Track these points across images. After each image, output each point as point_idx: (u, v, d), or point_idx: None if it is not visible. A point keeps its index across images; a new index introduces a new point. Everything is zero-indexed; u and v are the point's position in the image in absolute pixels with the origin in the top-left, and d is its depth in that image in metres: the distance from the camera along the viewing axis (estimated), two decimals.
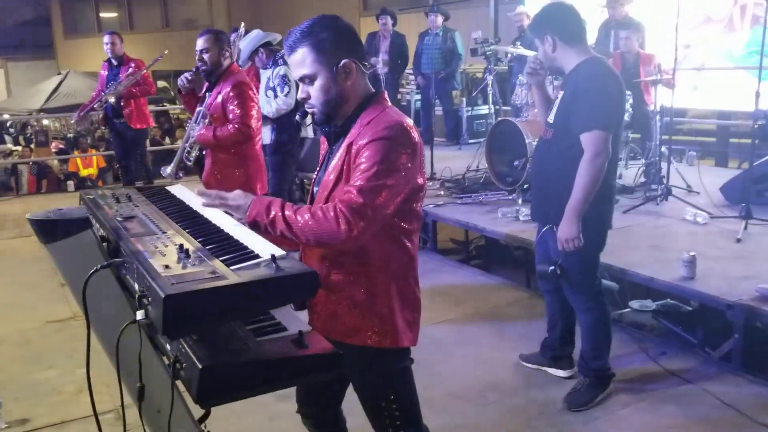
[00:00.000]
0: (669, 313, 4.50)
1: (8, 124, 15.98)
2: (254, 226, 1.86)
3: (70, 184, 9.16)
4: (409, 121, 1.97)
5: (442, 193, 6.23)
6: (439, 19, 8.83)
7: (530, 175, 3.41)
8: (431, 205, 5.78)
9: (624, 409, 3.32)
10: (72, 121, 7.19)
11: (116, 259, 1.64)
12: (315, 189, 2.07)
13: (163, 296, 1.35)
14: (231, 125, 4.05)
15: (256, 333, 1.65)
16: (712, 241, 4.71)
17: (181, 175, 4.33)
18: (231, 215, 1.92)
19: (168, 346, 1.59)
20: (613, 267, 4.25)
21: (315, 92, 1.95)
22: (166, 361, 1.60)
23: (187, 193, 2.25)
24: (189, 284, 1.40)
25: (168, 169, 4.36)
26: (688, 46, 7.57)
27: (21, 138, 15.79)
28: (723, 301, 3.66)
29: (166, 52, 6.88)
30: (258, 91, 4.46)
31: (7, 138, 16.11)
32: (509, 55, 7.91)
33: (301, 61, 1.93)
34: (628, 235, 4.87)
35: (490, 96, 7.81)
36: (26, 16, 20.66)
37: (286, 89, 5.35)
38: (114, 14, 18.76)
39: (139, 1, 17.85)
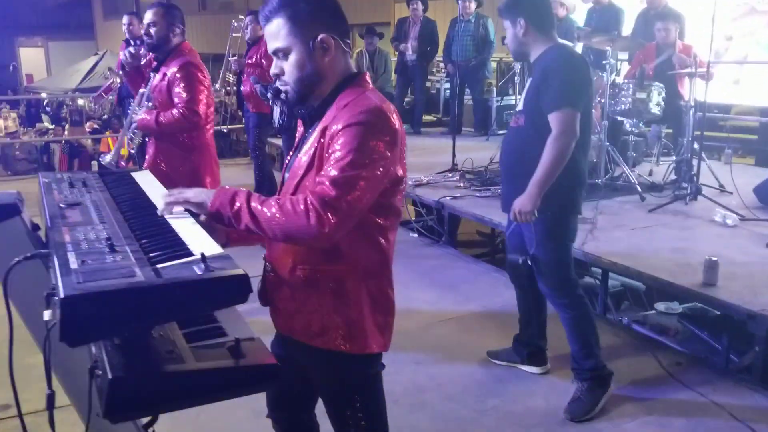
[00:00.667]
0: (696, 317, 4.27)
1: (45, 103, 16.19)
2: (217, 218, 1.70)
3: (94, 164, 9.18)
4: (390, 106, 1.78)
5: (461, 185, 6.02)
6: (472, 5, 8.57)
7: (501, 159, 3.27)
8: (448, 197, 5.59)
9: (631, 421, 3.11)
10: (90, 101, 7.16)
11: (41, 251, 1.51)
12: (285, 175, 1.91)
13: (61, 296, 1.21)
14: (176, 110, 3.65)
15: (190, 337, 1.51)
16: (740, 245, 4.42)
17: (122, 164, 4.00)
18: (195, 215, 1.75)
19: (93, 349, 1.46)
20: (631, 269, 4.01)
21: (289, 68, 1.78)
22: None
23: (151, 180, 2.11)
24: (95, 284, 1.25)
25: (107, 157, 4.02)
26: (731, 38, 7.20)
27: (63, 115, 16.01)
28: (744, 310, 3.40)
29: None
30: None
31: (44, 117, 16.34)
32: None
33: (275, 32, 1.76)
34: (651, 236, 4.62)
35: (518, 86, 7.55)
36: None
37: None
38: None
39: None
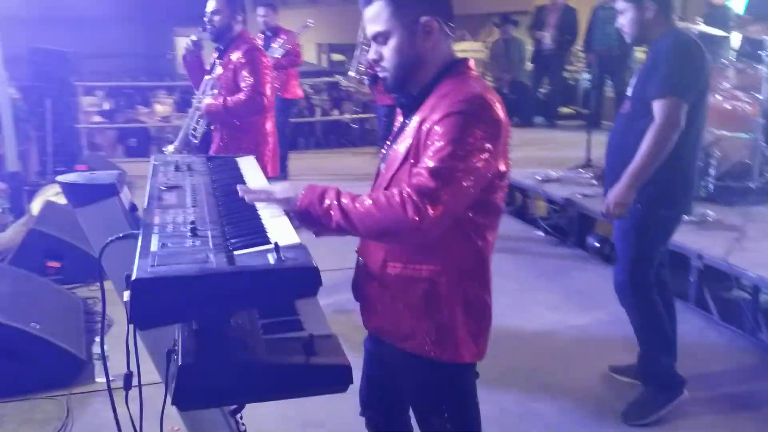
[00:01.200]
0: None
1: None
2: (306, 218, 1.59)
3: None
4: (493, 94, 1.65)
5: (595, 182, 5.68)
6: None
7: (607, 151, 3.05)
8: (579, 195, 5.29)
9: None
10: None
11: (132, 231, 1.52)
12: (381, 166, 1.82)
13: (132, 279, 1.20)
14: (243, 94, 3.66)
15: (267, 328, 1.46)
16: None
17: (186, 153, 3.96)
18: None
19: (176, 332, 1.45)
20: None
21: (388, 53, 1.69)
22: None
23: (253, 167, 2.10)
24: (167, 268, 1.23)
25: (171, 147, 3.99)
26: None
27: None
28: None
29: (311, 23, 6.86)
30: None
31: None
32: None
33: (375, 15, 1.67)
34: None
35: None
36: None
37: None
38: None
39: None
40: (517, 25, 9.50)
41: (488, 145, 1.57)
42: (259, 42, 6.95)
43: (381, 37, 1.68)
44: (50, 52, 8.57)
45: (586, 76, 9.23)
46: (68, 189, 1.64)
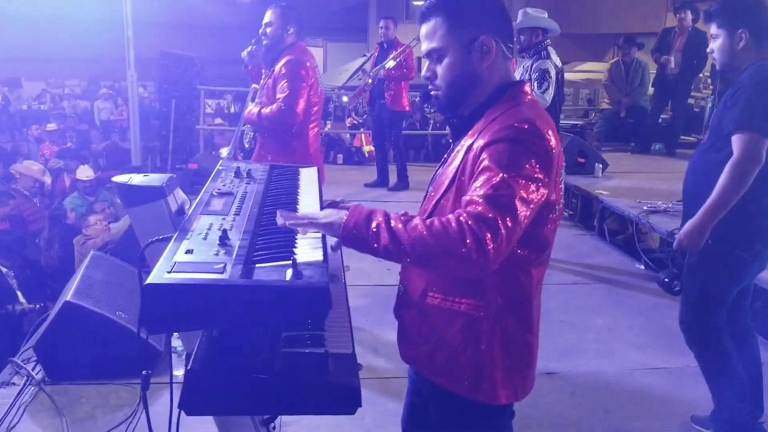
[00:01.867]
0: None
1: None
2: (351, 241, 1.47)
3: (340, 157, 9.78)
4: (546, 121, 1.56)
5: None
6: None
7: (684, 182, 2.90)
8: (677, 230, 4.95)
9: None
10: (347, 101, 7.63)
11: (168, 235, 1.56)
12: (429, 189, 1.76)
13: (144, 283, 1.22)
14: (276, 104, 3.65)
15: (288, 341, 1.45)
16: None
17: (239, 158, 4.00)
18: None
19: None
20: None
21: (442, 71, 1.63)
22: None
23: (311, 180, 2.11)
24: (178, 276, 1.24)
25: (225, 150, 4.04)
26: None
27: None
28: None
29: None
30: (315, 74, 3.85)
31: None
32: None
33: (431, 32, 1.62)
34: None
35: None
36: (348, 1, 22.66)
37: (545, 85, 4.85)
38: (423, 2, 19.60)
39: None
40: (642, 47, 9.09)
41: (540, 175, 1.48)
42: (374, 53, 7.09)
43: (436, 54, 1.63)
44: (178, 56, 9.09)
45: (712, 104, 8.67)
46: (121, 189, 1.70)
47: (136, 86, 8.40)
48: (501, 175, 1.45)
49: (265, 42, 3.80)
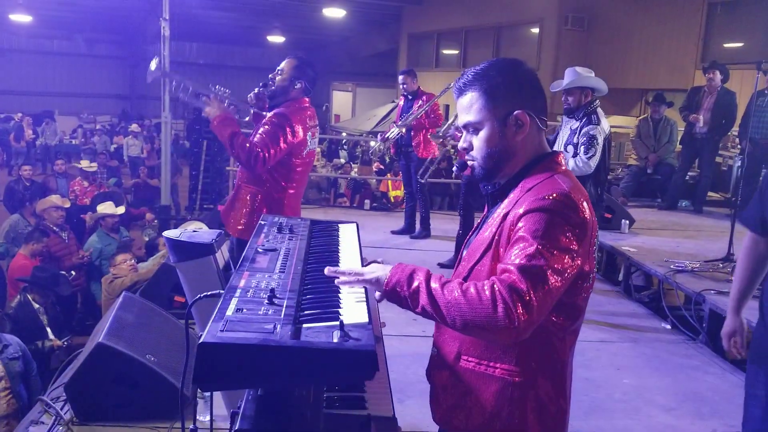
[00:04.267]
0: None
1: (343, 142, 17.97)
2: (393, 298, 1.57)
3: (367, 202, 9.88)
4: (580, 192, 1.61)
5: (732, 279, 5.26)
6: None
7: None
8: (713, 291, 4.93)
9: None
10: (373, 147, 7.72)
11: (219, 291, 1.61)
12: (463, 252, 1.81)
13: (199, 342, 1.27)
14: (250, 143, 3.55)
15: (330, 402, 1.49)
16: None
17: None
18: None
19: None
20: None
21: (478, 143, 1.70)
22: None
23: (351, 235, 2.16)
24: (233, 335, 1.29)
25: None
26: None
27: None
28: None
29: (451, 85, 6.99)
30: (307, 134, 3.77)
31: (341, 153, 18.11)
32: None
33: (468, 105, 1.70)
34: None
35: None
36: (379, 48, 23.10)
37: (591, 152, 4.75)
38: (454, 51, 19.93)
39: (476, 42, 18.67)
40: (671, 105, 9.15)
41: (574, 246, 1.53)
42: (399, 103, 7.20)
43: (472, 127, 1.70)
44: None
45: (740, 163, 8.67)
46: (171, 244, 1.76)
47: (170, 127, 8.60)
48: (536, 245, 1.50)
49: (271, 87, 3.78)
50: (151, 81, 3.97)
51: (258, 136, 3.60)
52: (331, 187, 13.56)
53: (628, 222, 7.12)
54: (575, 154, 4.78)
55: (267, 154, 3.55)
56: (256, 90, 3.88)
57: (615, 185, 9.09)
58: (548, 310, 1.52)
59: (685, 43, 13.07)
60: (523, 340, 1.53)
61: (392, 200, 12.80)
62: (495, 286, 1.46)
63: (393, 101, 18.74)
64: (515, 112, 1.65)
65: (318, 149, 18.33)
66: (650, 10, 13.85)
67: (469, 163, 1.74)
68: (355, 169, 15.46)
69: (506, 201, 1.67)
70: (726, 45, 12.88)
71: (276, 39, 24.16)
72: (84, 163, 11.64)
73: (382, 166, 15.56)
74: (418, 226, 7.40)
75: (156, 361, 3.39)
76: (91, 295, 7.12)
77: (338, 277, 1.62)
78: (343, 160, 16.99)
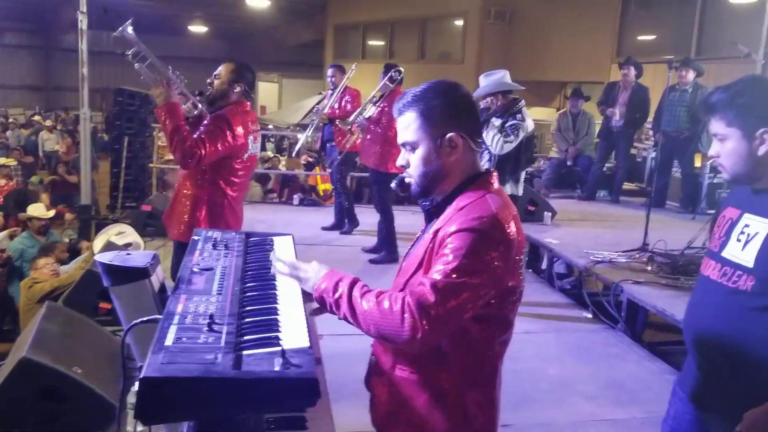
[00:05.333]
0: None
1: (270, 135, 17.78)
2: (320, 302, 1.71)
3: (296, 197, 9.82)
4: (509, 212, 1.69)
5: (649, 268, 5.55)
6: (690, 75, 8.01)
7: (689, 329, 2.17)
8: (630, 281, 5.18)
9: None
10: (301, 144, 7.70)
11: (155, 317, 1.60)
12: (402, 264, 1.87)
13: (141, 376, 1.27)
14: (189, 139, 3.47)
15: (272, 424, 1.51)
16: None
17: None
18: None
19: None
20: None
21: (415, 161, 1.77)
22: None
23: (288, 249, 2.18)
24: (175, 367, 1.30)
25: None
26: None
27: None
28: None
29: (355, 66, 7.09)
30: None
31: (269, 146, 17.92)
32: None
33: (406, 126, 1.77)
34: None
35: None
36: (305, 39, 22.94)
37: (510, 139, 4.89)
38: (380, 42, 20.00)
39: (401, 34, 18.81)
40: (589, 99, 9.49)
41: (498, 263, 1.61)
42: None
43: (409, 146, 1.77)
44: (133, 93, 9.03)
45: (654, 154, 9.09)
46: (104, 268, 1.74)
47: (89, 123, 8.32)
48: (455, 263, 1.59)
49: (210, 92, 3.73)
50: (115, 36, 3.78)
51: (197, 135, 3.54)
52: (258, 182, 13.42)
53: (550, 214, 7.36)
54: (498, 139, 4.89)
55: (203, 153, 3.49)
56: (194, 100, 3.81)
57: (537, 177, 9.39)
58: (456, 324, 1.62)
59: (602, 37, 13.56)
60: (456, 351, 1.67)
61: (321, 194, 12.78)
62: (406, 298, 1.58)
63: (320, 93, 18.65)
64: (449, 134, 1.72)
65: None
66: (569, 5, 14.29)
67: (406, 180, 1.82)
68: (283, 162, 15.34)
69: (442, 217, 1.74)
70: (640, 38, 13.44)
71: (198, 28, 23.61)
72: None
73: (310, 159, 15.49)
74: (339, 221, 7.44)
75: (83, 373, 3.31)
76: (9, 298, 6.84)
77: (278, 266, 1.79)
78: (270, 153, 16.82)
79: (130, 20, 3.72)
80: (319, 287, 1.69)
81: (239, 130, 3.62)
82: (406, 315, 1.55)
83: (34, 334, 3.43)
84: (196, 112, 3.83)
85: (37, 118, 19.69)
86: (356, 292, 1.64)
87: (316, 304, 1.74)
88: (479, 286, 1.59)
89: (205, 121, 3.65)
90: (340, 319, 1.68)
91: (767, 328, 1.90)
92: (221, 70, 3.73)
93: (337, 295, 1.66)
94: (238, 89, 3.71)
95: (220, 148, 3.55)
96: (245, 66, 3.80)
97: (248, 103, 3.80)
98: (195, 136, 3.53)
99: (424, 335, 1.54)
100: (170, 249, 6.11)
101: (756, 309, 1.93)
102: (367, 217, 7.42)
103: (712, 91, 2.04)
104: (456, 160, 1.74)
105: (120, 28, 3.67)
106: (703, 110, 2.07)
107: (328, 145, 7.28)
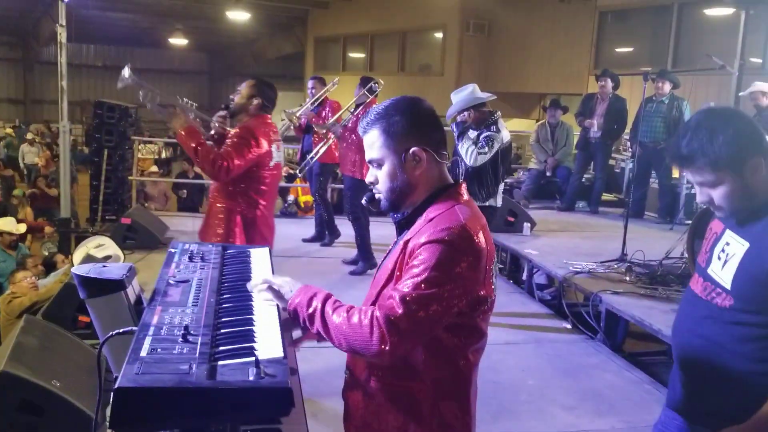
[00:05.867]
0: None
1: None
2: (295, 317, 1.73)
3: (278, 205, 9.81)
4: (478, 222, 1.72)
5: (627, 278, 5.61)
6: (666, 86, 8.13)
7: (674, 342, 2.21)
8: (609, 291, 5.23)
9: None
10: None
11: (131, 328, 1.61)
12: (375, 274, 1.90)
13: (115, 386, 1.28)
14: (215, 153, 3.69)
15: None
16: None
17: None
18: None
19: None
20: None
21: (382, 177, 1.81)
22: None
23: (264, 262, 2.19)
24: (149, 378, 1.30)
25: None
26: None
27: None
28: None
29: (336, 81, 7.12)
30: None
31: None
32: None
33: (371, 143, 1.81)
34: None
35: None
36: (286, 51, 22.98)
37: (483, 150, 4.88)
38: (360, 55, 20.07)
39: (381, 46, 18.91)
40: (567, 111, 9.60)
41: (467, 274, 1.64)
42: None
43: (376, 163, 1.81)
44: (113, 106, 9.00)
45: (631, 165, 9.20)
46: (79, 280, 1.74)
47: (68, 136, 8.27)
48: (424, 275, 1.62)
49: (231, 107, 3.97)
50: (121, 87, 4.11)
51: (224, 147, 3.76)
52: None
53: (529, 225, 7.42)
54: (472, 151, 4.91)
55: (231, 164, 3.69)
56: (220, 111, 4.07)
57: (517, 188, 9.46)
58: (426, 335, 1.64)
59: (579, 49, 13.74)
60: (429, 361, 1.69)
61: (302, 205, 12.77)
62: (375, 312, 1.61)
63: (300, 105, 18.71)
64: (412, 149, 1.76)
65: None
66: (546, 18, 14.48)
67: (376, 195, 1.86)
68: None
69: (411, 229, 1.76)
70: (617, 50, 13.64)
71: (179, 41, 23.56)
72: None
73: (291, 171, 15.49)
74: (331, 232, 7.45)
75: (62, 386, 3.29)
76: None
77: (254, 284, 1.81)
78: None
79: (126, 66, 4.02)
80: (293, 301, 1.73)
81: (262, 140, 3.82)
82: (374, 329, 1.59)
83: (12, 348, 3.40)
84: (213, 132, 4.07)
85: (8, 131, 19.53)
86: (328, 308, 1.68)
87: (298, 331, 1.79)
88: (448, 297, 1.62)
89: (231, 134, 3.86)
90: (313, 333, 1.72)
91: (744, 344, 1.93)
92: (242, 86, 3.99)
93: (310, 310, 1.69)
94: (256, 102, 3.91)
95: (247, 157, 3.74)
96: (265, 83, 4.05)
97: (268, 115, 4.01)
98: (222, 149, 3.75)
99: (392, 347, 1.57)
100: (149, 262, 6.09)
101: (733, 325, 1.95)
102: (349, 228, 7.42)
103: (676, 143, 1.97)
104: (421, 173, 1.78)
105: (120, 80, 4.02)
106: (678, 163, 2.00)
107: (307, 156, 7.30)
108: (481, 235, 1.69)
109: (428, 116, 1.82)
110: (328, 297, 1.70)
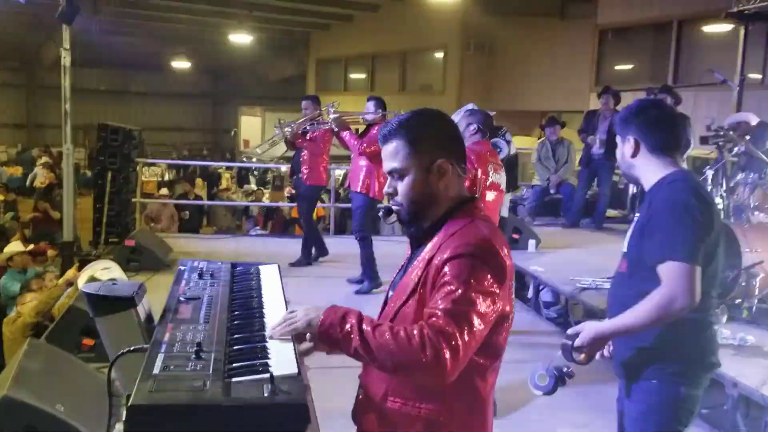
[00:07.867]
0: None
1: (253, 169, 17.80)
2: (326, 339, 1.61)
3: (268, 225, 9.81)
4: (500, 238, 1.70)
5: None
6: (667, 101, 8.14)
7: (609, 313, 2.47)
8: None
9: None
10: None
11: (143, 346, 1.59)
12: (390, 293, 1.86)
13: (129, 404, 1.25)
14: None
15: None
16: None
17: None
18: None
19: None
20: None
21: (403, 189, 1.76)
22: None
23: (274, 279, 2.16)
24: (163, 395, 1.28)
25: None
26: None
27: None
28: None
29: (337, 103, 7.06)
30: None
31: (252, 179, 17.92)
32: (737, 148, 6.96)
33: (393, 153, 1.76)
34: None
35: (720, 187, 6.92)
36: (288, 73, 23.13)
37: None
38: (362, 75, 20.20)
39: (383, 67, 19.04)
40: (564, 126, 9.60)
41: (495, 289, 1.61)
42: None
43: (397, 173, 1.77)
44: (117, 129, 9.00)
45: None
46: (89, 298, 1.72)
47: (72, 159, 8.27)
48: (461, 290, 1.58)
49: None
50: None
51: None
52: (242, 215, 13.39)
53: (535, 241, 7.39)
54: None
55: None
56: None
57: (521, 205, 9.44)
58: (473, 351, 1.60)
59: (580, 67, 13.80)
60: (454, 380, 1.59)
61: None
62: (424, 330, 1.53)
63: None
64: (438, 161, 1.73)
65: (227, 175, 18.13)
66: (546, 36, 14.57)
67: (394, 208, 1.80)
68: (267, 195, 15.34)
69: (430, 245, 1.73)
70: (618, 67, 13.70)
71: (181, 64, 23.72)
72: None
73: (294, 191, 15.50)
74: (322, 253, 7.39)
75: (65, 411, 3.25)
76: None
77: (272, 336, 1.64)
78: (254, 187, 16.82)
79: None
80: (324, 323, 1.59)
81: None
82: (427, 347, 1.51)
83: (15, 372, 3.36)
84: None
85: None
86: (367, 326, 1.58)
87: (308, 342, 1.68)
88: (486, 312, 1.59)
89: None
90: (349, 354, 1.60)
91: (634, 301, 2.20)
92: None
93: (346, 329, 1.57)
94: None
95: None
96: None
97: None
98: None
99: (449, 366, 1.51)
100: (154, 284, 6.06)
101: (628, 285, 2.34)
102: (352, 248, 7.40)
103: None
104: (445, 186, 1.75)
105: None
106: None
107: (294, 177, 7.28)
108: (504, 249, 1.67)
109: (453, 129, 1.81)
110: (361, 314, 1.62)
